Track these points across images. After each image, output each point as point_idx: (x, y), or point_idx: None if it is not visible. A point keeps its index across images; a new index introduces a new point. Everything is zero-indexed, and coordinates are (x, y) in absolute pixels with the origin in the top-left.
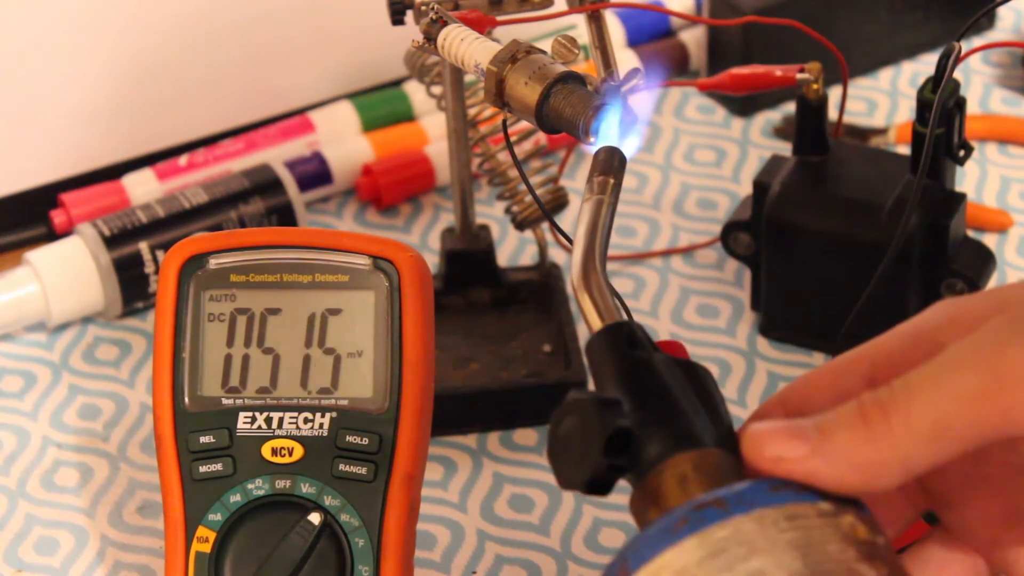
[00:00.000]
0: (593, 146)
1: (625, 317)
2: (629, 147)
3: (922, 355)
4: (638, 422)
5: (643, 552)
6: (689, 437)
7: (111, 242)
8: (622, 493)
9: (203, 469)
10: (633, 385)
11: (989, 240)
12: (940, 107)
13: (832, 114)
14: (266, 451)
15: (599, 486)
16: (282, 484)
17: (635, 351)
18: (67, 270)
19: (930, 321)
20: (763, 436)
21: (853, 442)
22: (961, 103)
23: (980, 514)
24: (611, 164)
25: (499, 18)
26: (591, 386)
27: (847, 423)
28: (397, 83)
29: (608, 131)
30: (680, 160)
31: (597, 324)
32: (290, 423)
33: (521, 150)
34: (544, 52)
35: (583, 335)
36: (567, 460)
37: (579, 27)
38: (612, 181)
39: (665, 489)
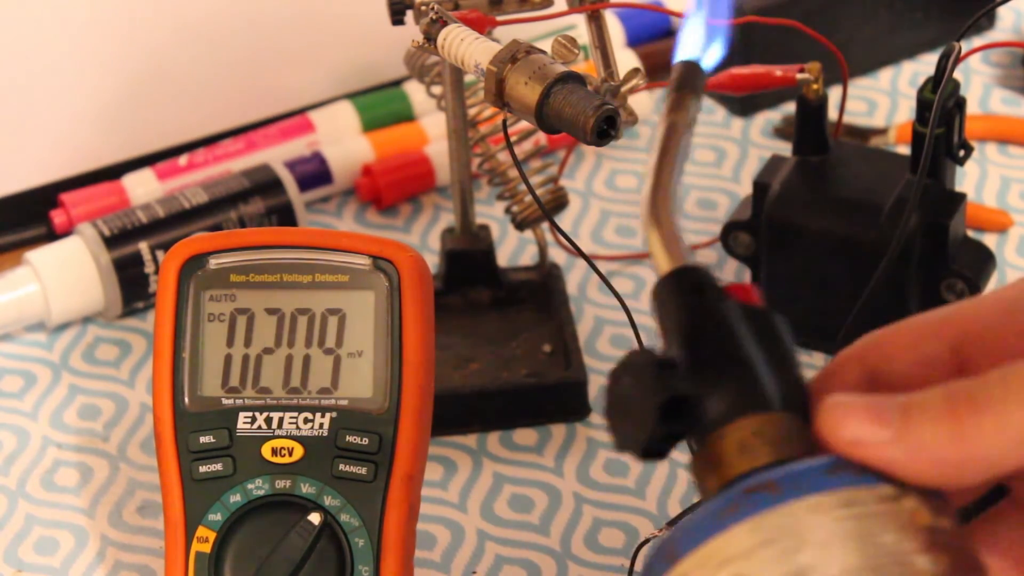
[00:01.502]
0: (672, 59)
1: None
2: (711, 58)
3: (1015, 331)
4: (698, 382)
5: (692, 537)
6: (753, 399)
7: (111, 242)
8: (619, 492)
9: (203, 469)
10: (697, 338)
11: (989, 240)
12: (940, 107)
13: (832, 114)
14: (266, 451)
15: (655, 452)
16: (282, 484)
17: (702, 299)
18: (67, 270)
19: None
20: (843, 413)
21: (938, 436)
22: (961, 103)
23: None
24: (687, 80)
25: (499, 18)
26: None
27: (934, 414)
28: (397, 83)
29: (690, 40)
30: None
31: (665, 266)
32: (290, 423)
33: (521, 150)
34: (544, 52)
35: (583, 335)
36: (623, 423)
37: (579, 27)
38: (690, 98)
39: (725, 457)
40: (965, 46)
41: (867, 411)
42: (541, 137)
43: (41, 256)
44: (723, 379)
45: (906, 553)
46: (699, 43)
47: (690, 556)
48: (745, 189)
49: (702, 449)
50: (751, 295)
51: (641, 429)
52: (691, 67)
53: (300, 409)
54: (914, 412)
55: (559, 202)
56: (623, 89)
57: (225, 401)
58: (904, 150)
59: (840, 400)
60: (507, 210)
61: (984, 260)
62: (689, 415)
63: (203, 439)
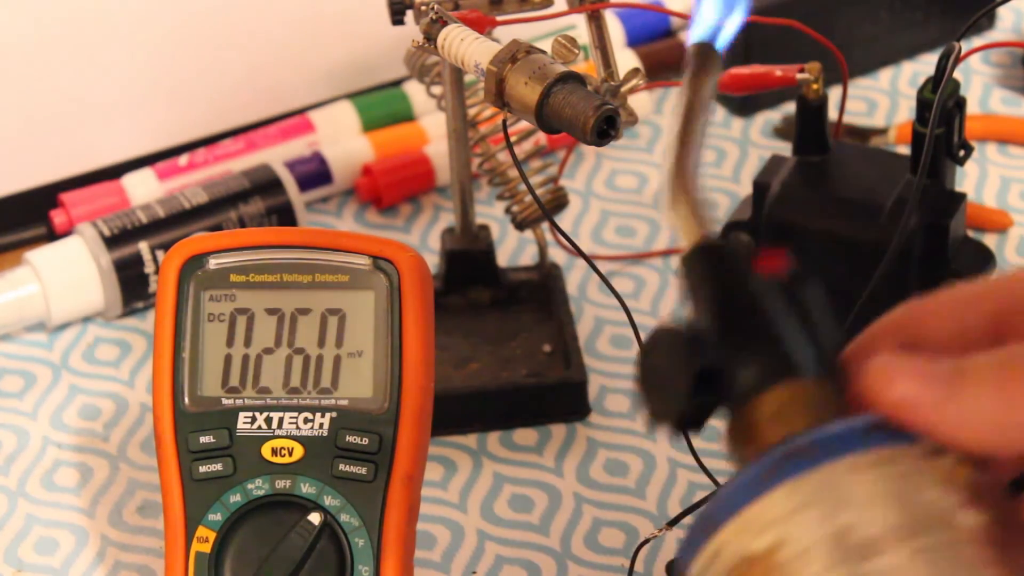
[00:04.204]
0: (688, 37)
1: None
2: (728, 31)
3: None
4: (730, 352)
5: (731, 504)
6: (785, 367)
7: (111, 242)
8: (619, 492)
9: (203, 469)
10: (727, 310)
11: (989, 240)
12: (940, 107)
13: (832, 114)
14: (266, 451)
15: (690, 423)
16: (282, 484)
17: (731, 271)
18: (67, 270)
19: None
20: (893, 373)
21: (989, 401)
22: (961, 103)
23: None
24: (705, 58)
25: (499, 18)
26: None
27: (986, 378)
28: (397, 83)
29: (706, 16)
30: None
31: (693, 236)
32: (290, 423)
33: (521, 150)
34: (544, 52)
35: (583, 335)
36: (656, 395)
37: (579, 27)
38: (706, 79)
39: (760, 426)
40: (965, 46)
41: (918, 372)
42: (541, 137)
43: (41, 256)
44: (754, 350)
45: (948, 508)
46: (714, 19)
47: (730, 523)
48: (745, 189)
49: (736, 420)
50: (782, 261)
51: (674, 401)
52: (705, 48)
53: (300, 409)
54: (967, 375)
55: (559, 202)
56: (623, 89)
57: (225, 401)
58: (904, 150)
59: (890, 360)
60: (507, 210)
61: (984, 260)
62: (721, 386)
63: (203, 439)
